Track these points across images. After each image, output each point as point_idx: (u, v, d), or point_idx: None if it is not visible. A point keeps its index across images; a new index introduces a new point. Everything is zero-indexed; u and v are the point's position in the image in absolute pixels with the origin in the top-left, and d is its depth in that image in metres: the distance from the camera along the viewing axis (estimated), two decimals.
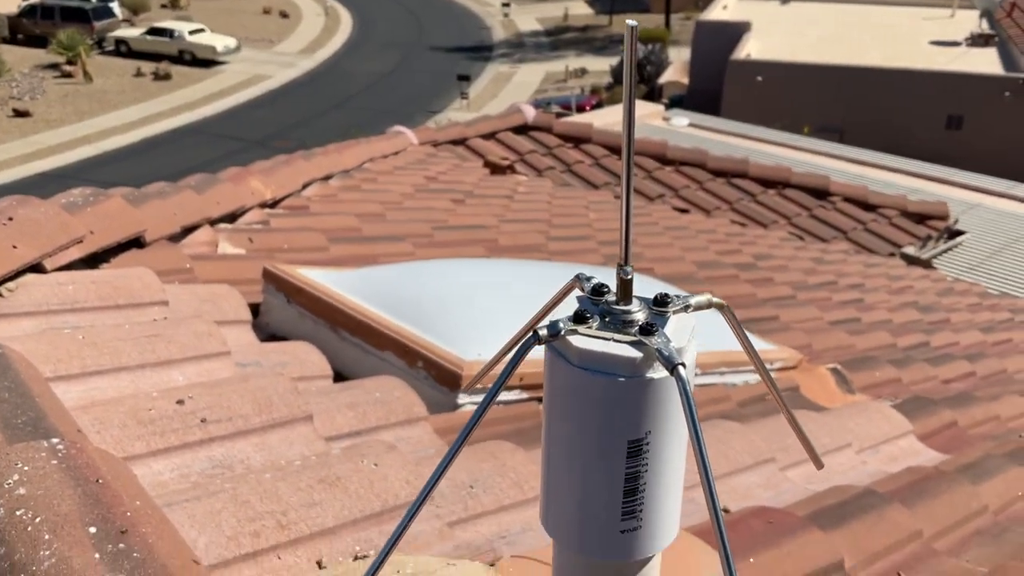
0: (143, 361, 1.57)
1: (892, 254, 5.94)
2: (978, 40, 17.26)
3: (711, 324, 2.76)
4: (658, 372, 0.39)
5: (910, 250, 5.99)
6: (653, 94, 19.61)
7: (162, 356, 1.60)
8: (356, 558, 1.21)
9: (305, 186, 3.56)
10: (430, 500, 1.33)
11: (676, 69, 22.26)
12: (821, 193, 6.33)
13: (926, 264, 5.90)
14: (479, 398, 1.86)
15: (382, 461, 1.35)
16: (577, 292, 0.46)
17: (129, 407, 1.37)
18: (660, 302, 0.42)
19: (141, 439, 1.33)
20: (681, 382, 0.37)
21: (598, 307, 0.43)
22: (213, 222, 2.63)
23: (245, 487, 1.22)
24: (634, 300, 0.42)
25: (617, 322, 0.41)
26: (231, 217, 2.79)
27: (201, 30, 28.72)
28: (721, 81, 15.53)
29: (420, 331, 1.95)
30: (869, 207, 6.35)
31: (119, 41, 28.48)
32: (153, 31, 28.38)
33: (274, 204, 3.20)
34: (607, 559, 0.38)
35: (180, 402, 1.41)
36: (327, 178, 3.87)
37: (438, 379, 1.85)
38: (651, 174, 6.17)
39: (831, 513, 1.64)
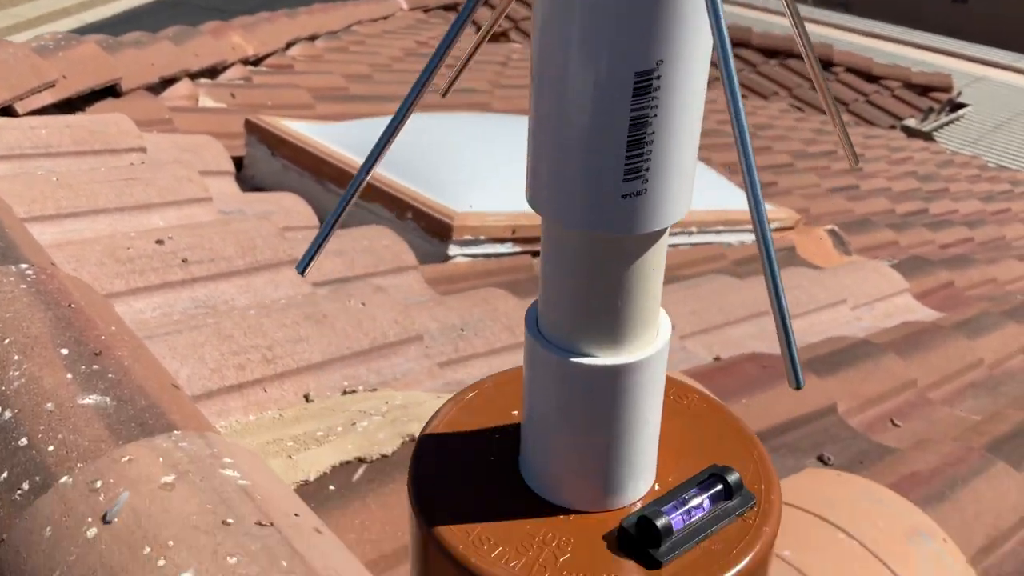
0: (121, 204, 1.52)
1: (893, 126, 5.83)
2: None
3: (708, 184, 2.70)
4: None
5: (911, 122, 5.88)
6: None
7: (140, 200, 1.54)
8: (344, 392, 1.19)
9: (289, 45, 3.43)
10: (418, 340, 1.31)
11: None
12: (824, 63, 6.15)
13: (927, 136, 5.80)
14: (471, 249, 1.81)
15: (370, 301, 1.32)
16: None
17: (106, 246, 1.32)
18: None
19: (120, 277, 1.28)
20: None
21: None
22: (193, 76, 2.52)
23: (229, 322, 1.18)
24: None
25: None
26: (211, 72, 2.68)
27: None
28: None
29: (410, 182, 1.89)
30: (872, 78, 6.19)
31: None
32: None
33: (256, 62, 3.08)
34: (605, 231, 0.32)
35: (160, 242, 1.36)
36: (312, 38, 3.72)
37: (428, 230, 1.80)
38: None
39: (826, 360, 1.62)
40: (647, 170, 0.32)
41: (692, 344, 1.70)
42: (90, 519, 0.72)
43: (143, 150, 1.76)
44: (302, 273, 0.37)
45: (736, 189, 2.73)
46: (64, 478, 0.76)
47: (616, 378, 0.34)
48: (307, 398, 1.15)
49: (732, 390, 1.40)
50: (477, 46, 0.41)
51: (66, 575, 0.69)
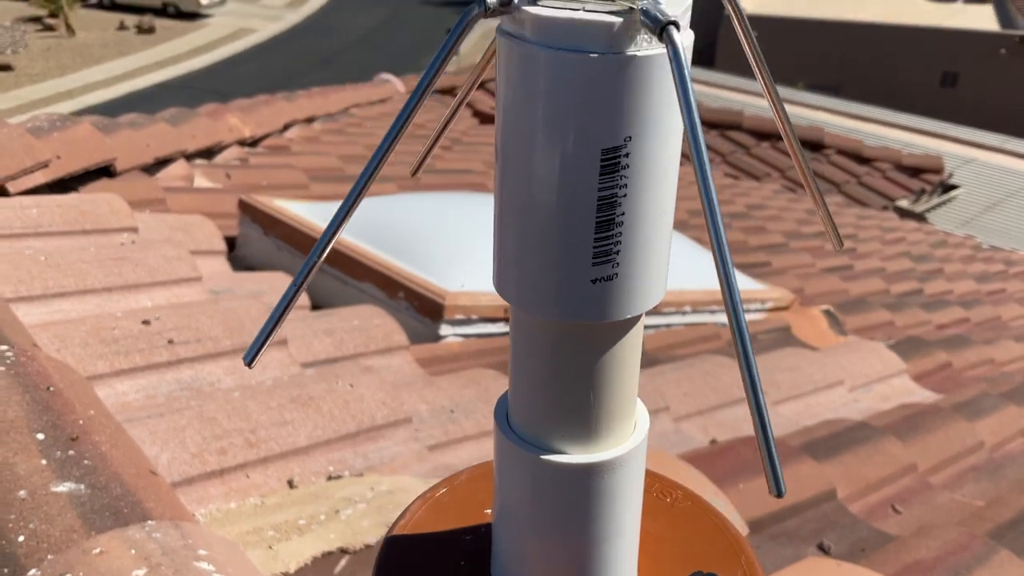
0: (109, 284, 1.50)
1: (885, 207, 5.88)
2: None
3: (701, 263, 2.70)
4: (643, 48, 0.30)
5: (904, 203, 5.93)
6: None
7: (129, 280, 1.53)
8: (330, 478, 1.15)
9: (286, 127, 3.47)
10: (407, 423, 1.28)
11: None
12: (815, 146, 6.25)
13: (919, 217, 5.84)
14: (463, 329, 1.80)
15: (358, 382, 1.29)
16: None
17: (92, 326, 1.30)
18: None
19: (104, 358, 1.26)
20: (673, 47, 0.28)
21: None
22: (189, 157, 2.54)
23: (212, 404, 1.16)
24: None
25: None
26: (208, 153, 2.70)
27: None
28: (715, 35, 15.33)
29: (401, 262, 1.88)
30: (863, 160, 6.27)
31: None
32: None
33: (253, 143, 3.11)
34: (575, 319, 0.30)
35: (146, 322, 1.34)
36: (310, 120, 3.77)
37: (420, 310, 1.79)
38: None
39: (824, 444, 1.59)
40: (618, 253, 0.30)
41: (687, 426, 1.67)
42: None
43: (134, 230, 1.76)
44: (249, 364, 0.35)
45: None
46: (33, 571, 0.73)
47: (590, 477, 0.32)
48: (291, 484, 1.12)
49: (728, 474, 1.37)
50: (445, 125, 0.40)
51: None
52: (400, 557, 0.37)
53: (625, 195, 0.30)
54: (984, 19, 15.75)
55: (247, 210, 2.06)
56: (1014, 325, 3.38)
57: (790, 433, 1.67)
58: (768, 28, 15.17)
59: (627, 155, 0.30)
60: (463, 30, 0.31)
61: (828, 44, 14.90)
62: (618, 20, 0.29)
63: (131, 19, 26.14)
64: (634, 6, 0.29)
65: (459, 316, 1.78)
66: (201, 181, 2.43)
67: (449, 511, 0.39)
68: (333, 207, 2.21)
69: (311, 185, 2.66)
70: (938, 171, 6.46)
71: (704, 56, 13.91)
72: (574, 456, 0.32)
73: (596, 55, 0.29)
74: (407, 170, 3.39)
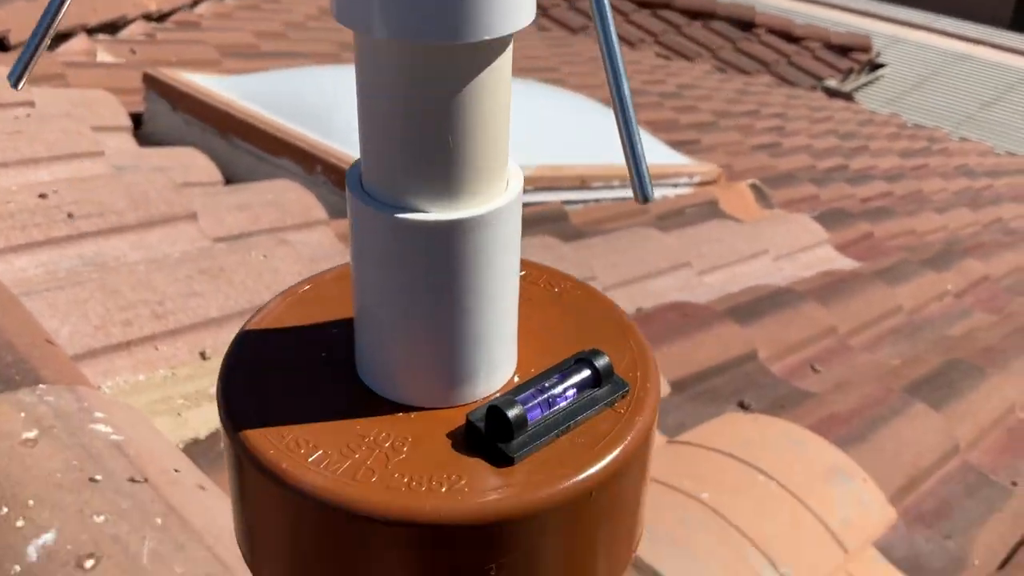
0: (3, 160, 1.41)
1: (814, 87, 5.89)
2: None
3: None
4: None
5: (832, 83, 5.94)
6: None
7: (25, 154, 1.44)
8: None
9: (196, 2, 3.28)
10: None
11: None
12: (746, 25, 6.18)
13: (848, 97, 5.87)
14: None
15: (272, 254, 1.25)
16: None
17: None
18: None
19: None
20: None
21: None
22: (90, 31, 2.39)
23: (115, 277, 1.10)
24: None
25: None
26: (111, 28, 2.54)
27: None
28: None
29: (319, 135, 1.81)
30: (793, 39, 6.24)
31: None
32: None
33: (161, 18, 2.94)
34: (427, 40, 0.26)
35: (43, 196, 1.27)
36: None
37: (339, 184, 1.73)
38: (574, 4, 5.93)
39: (747, 308, 1.60)
40: None
41: (615, 296, 1.67)
42: None
43: (31, 104, 1.65)
44: (15, 86, 0.31)
45: (659, 144, 2.70)
46: None
47: (452, 237, 0.29)
48: (203, 355, 1.09)
49: (653, 338, 1.37)
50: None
51: None
52: (252, 347, 0.34)
53: None
54: None
55: (153, 84, 1.95)
56: (936, 198, 3.44)
57: (714, 299, 1.68)
58: None
59: None
60: None
61: None
62: None
63: None
64: None
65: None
66: (104, 56, 2.29)
67: (313, 307, 0.36)
68: (248, 80, 2.11)
69: (224, 61, 2.54)
70: (866, 50, 6.47)
71: None
72: (434, 214, 0.29)
73: None
74: (324, 47, 3.26)
